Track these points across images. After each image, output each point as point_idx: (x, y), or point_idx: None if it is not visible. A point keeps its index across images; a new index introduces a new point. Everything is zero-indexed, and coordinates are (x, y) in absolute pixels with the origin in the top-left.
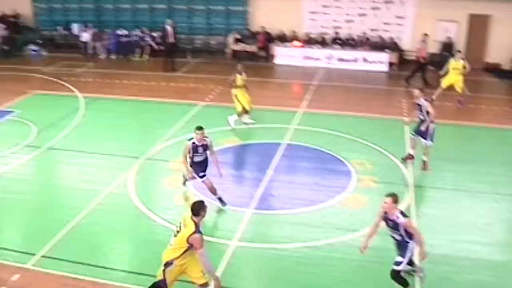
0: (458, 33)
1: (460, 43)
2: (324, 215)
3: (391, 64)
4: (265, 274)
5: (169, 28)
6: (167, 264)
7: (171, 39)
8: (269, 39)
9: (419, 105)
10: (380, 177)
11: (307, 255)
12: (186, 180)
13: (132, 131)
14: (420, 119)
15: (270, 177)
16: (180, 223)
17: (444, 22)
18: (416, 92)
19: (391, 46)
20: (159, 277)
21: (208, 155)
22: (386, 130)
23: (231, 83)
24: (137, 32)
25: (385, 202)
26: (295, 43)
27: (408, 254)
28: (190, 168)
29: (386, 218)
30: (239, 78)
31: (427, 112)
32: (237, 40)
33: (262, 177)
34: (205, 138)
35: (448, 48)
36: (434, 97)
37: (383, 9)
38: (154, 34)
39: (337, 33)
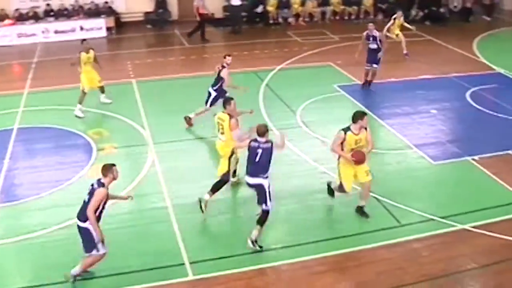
0: None
1: None
2: (73, 192)
3: (108, 28)
4: (28, 266)
5: None
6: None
7: None
8: None
9: (373, 36)
10: (120, 142)
11: (66, 236)
12: None
13: None
14: (373, 48)
15: (7, 166)
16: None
17: None
18: (371, 25)
19: (106, 10)
20: (224, 170)
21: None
22: (117, 94)
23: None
24: None
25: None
26: (6, 21)
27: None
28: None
29: None
30: (85, 56)
31: (380, 41)
32: None
33: (0, 168)
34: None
35: (163, 5)
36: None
37: None
38: None
39: (48, 4)
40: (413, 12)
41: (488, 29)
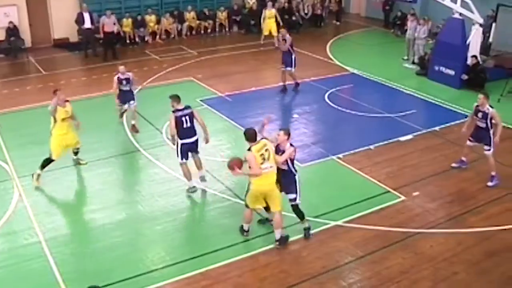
0: (20, 16)
1: (24, 25)
2: None
3: None
4: None
5: None
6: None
7: None
8: None
9: (284, 39)
10: None
11: None
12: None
13: None
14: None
15: None
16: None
17: (3, 7)
18: (283, 31)
19: None
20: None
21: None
22: None
23: None
24: None
25: (278, 135)
26: None
27: (298, 187)
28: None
29: (278, 150)
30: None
31: (291, 46)
32: None
33: None
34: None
35: (14, 33)
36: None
37: None
38: None
39: None
40: None
41: (339, 33)
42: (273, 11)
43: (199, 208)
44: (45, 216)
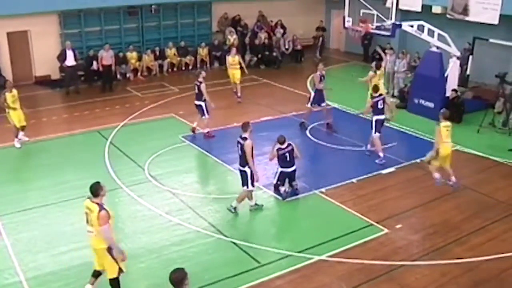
0: (2, 53)
1: (5, 63)
2: None
3: None
4: None
5: None
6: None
7: None
8: None
9: (322, 76)
10: None
11: None
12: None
13: None
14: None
15: None
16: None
17: None
18: (320, 66)
19: None
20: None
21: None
22: None
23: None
24: None
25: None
26: None
27: None
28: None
29: None
30: (9, 96)
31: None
32: None
33: None
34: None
35: None
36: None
37: None
38: None
39: None
40: (247, 57)
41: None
42: (237, 58)
43: (182, 245)
44: (26, 254)
